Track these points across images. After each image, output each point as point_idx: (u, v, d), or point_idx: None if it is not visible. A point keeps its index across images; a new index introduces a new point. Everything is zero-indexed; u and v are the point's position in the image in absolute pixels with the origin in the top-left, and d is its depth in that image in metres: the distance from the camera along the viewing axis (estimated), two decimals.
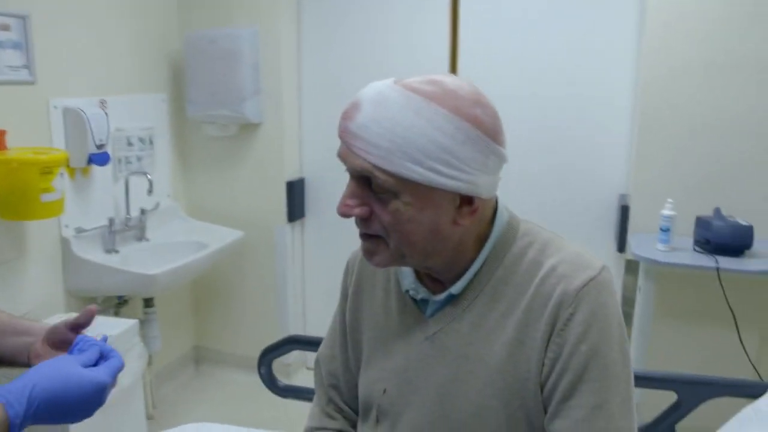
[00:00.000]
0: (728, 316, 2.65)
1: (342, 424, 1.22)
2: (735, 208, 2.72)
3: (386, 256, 0.96)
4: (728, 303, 2.60)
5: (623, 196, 2.97)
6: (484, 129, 0.89)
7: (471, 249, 0.99)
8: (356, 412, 1.22)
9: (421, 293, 1.04)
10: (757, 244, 2.61)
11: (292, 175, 3.40)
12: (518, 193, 2.98)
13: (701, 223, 2.65)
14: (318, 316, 3.63)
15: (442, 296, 1.01)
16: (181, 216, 3.34)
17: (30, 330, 1.04)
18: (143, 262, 2.87)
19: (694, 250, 2.62)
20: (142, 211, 3.04)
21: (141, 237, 3.05)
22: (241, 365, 3.58)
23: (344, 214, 0.92)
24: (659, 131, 2.75)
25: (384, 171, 0.87)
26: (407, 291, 1.06)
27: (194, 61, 3.17)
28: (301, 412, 2.79)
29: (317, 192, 3.48)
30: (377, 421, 1.09)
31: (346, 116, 0.90)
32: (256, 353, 3.37)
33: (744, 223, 2.56)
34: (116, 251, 2.86)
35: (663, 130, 2.76)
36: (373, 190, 0.91)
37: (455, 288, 1.00)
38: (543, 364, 0.94)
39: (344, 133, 0.90)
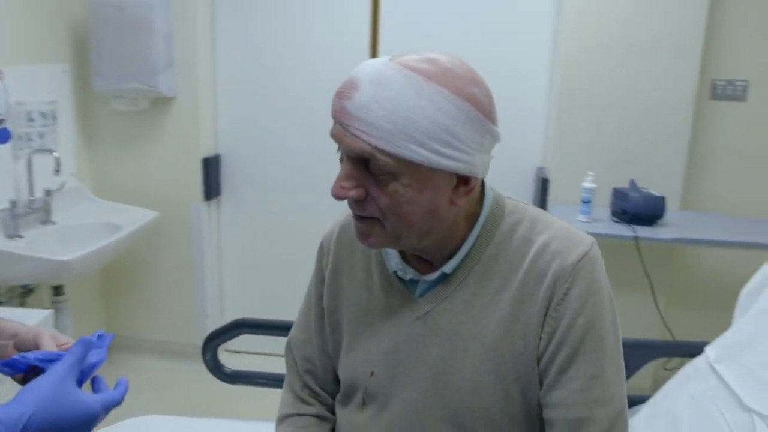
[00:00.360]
0: (645, 282, 2.78)
1: (318, 409, 1.19)
2: (648, 181, 2.85)
3: (382, 238, 0.95)
4: (645, 270, 2.72)
5: (541, 170, 3.06)
6: (482, 108, 0.89)
7: (462, 228, 1.00)
8: (332, 396, 1.21)
9: (410, 273, 1.04)
10: (668, 215, 2.75)
11: (208, 152, 3.27)
12: None
13: (618, 194, 2.76)
14: (236, 298, 3.53)
15: (434, 275, 1.01)
16: (89, 197, 3.14)
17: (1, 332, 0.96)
18: (51, 247, 2.68)
19: (612, 220, 2.74)
20: (47, 192, 2.83)
21: (46, 220, 2.85)
22: (158, 351, 3.44)
23: (339, 197, 0.91)
24: (578, 108, 2.88)
25: (385, 153, 0.86)
26: (395, 272, 1.05)
27: (100, 30, 2.97)
28: (230, 396, 2.82)
29: (233, 169, 3.37)
30: (363, 404, 1.08)
31: (343, 95, 0.87)
32: (174, 338, 3.32)
33: (656, 194, 2.68)
34: (20, 236, 2.66)
35: (581, 108, 2.87)
36: (370, 172, 0.90)
37: (448, 267, 1.01)
38: (540, 338, 0.96)
39: (340, 114, 0.88)
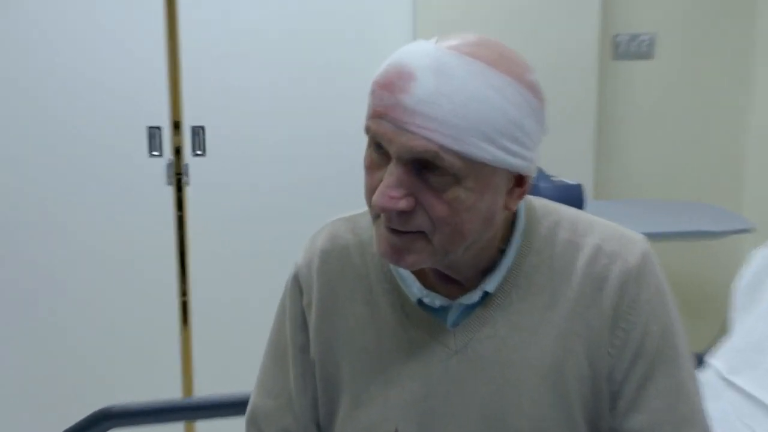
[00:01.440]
0: None
1: None
2: (558, 167, 2.42)
3: (424, 255, 0.86)
4: None
5: None
6: (540, 98, 0.85)
7: (499, 236, 0.93)
8: None
9: (438, 300, 0.94)
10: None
11: None
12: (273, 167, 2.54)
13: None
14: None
15: (473, 297, 0.93)
16: None
17: None
18: None
19: None
20: None
21: None
22: None
23: (387, 209, 0.82)
24: None
25: (453, 152, 0.79)
26: (418, 300, 0.96)
27: None
28: None
29: None
30: None
31: (396, 88, 0.80)
32: None
33: (571, 182, 2.32)
34: None
35: None
36: (423, 177, 0.82)
37: (489, 285, 0.93)
38: (609, 354, 0.91)
39: (394, 110, 0.80)
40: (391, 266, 0.94)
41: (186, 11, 2.33)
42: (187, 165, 2.29)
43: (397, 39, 2.55)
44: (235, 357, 2.49)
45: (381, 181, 0.82)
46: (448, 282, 0.94)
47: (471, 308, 0.94)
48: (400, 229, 0.84)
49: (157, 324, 2.41)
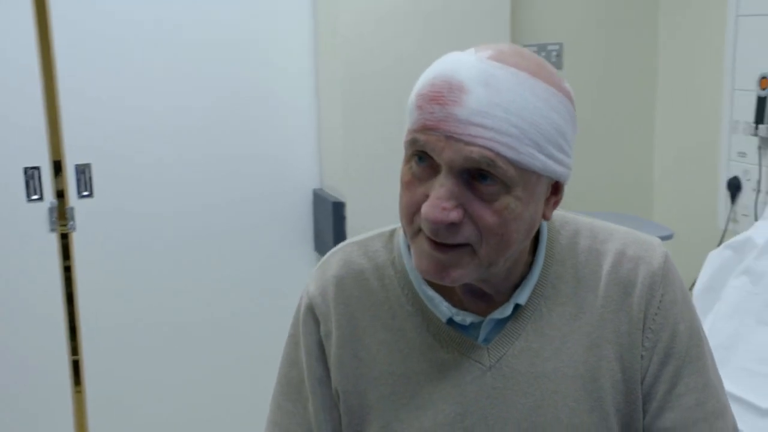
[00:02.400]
0: None
1: None
2: None
3: (470, 269, 0.86)
4: None
5: (321, 191, 2.54)
6: (574, 104, 0.88)
7: (528, 249, 0.94)
8: None
9: (470, 317, 0.94)
10: None
11: None
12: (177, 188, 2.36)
13: None
14: None
15: (506, 310, 0.93)
16: None
17: None
18: None
19: None
20: None
21: None
22: None
23: (439, 221, 0.81)
24: (365, 103, 2.35)
25: (508, 160, 0.81)
26: (449, 319, 0.95)
27: None
28: None
29: None
30: None
31: (446, 101, 0.81)
32: None
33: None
34: None
35: (368, 102, 2.34)
36: (472, 187, 0.83)
37: (521, 297, 0.93)
38: (641, 356, 0.93)
39: (446, 122, 0.81)
40: (417, 288, 0.94)
41: (61, 35, 2.11)
42: (72, 208, 2.09)
43: (296, 56, 2.42)
44: (134, 420, 2.27)
45: (423, 195, 0.83)
46: (477, 298, 0.94)
47: (501, 323, 0.95)
48: (448, 242, 0.84)
49: (47, 387, 2.17)
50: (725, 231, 2.28)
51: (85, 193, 2.14)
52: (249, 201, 2.43)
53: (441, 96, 0.82)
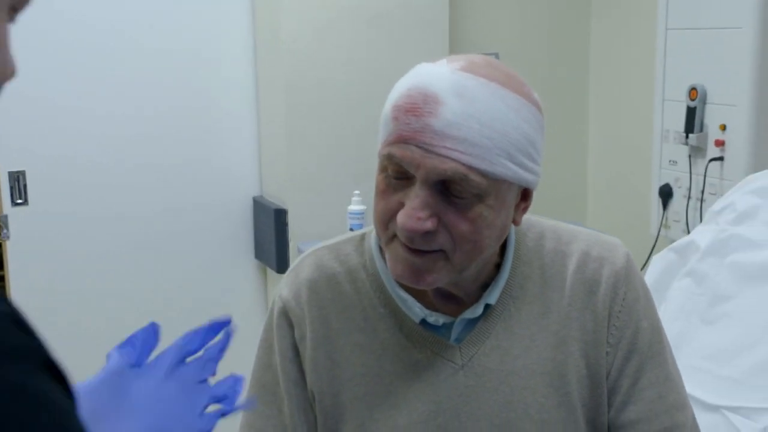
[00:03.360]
0: None
1: None
2: None
3: (443, 273, 0.89)
4: None
5: (261, 199, 2.52)
6: (542, 113, 0.90)
7: (496, 251, 0.97)
8: None
9: (442, 318, 0.97)
10: None
11: None
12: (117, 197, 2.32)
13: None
14: None
15: (476, 310, 0.96)
16: None
17: None
18: None
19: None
20: None
21: None
22: None
23: (415, 230, 0.84)
24: (306, 109, 2.33)
25: (480, 172, 0.83)
26: (422, 320, 0.97)
27: None
28: None
29: None
30: None
31: (422, 112, 0.83)
32: None
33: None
34: None
35: (311, 108, 2.34)
36: (446, 197, 0.85)
37: (491, 297, 0.96)
38: (606, 353, 0.97)
39: (422, 134, 0.83)
40: (389, 290, 0.96)
41: None
42: (5, 216, 2.04)
43: (236, 64, 2.41)
44: None
45: (398, 203, 0.85)
46: (448, 300, 0.97)
47: (472, 323, 0.97)
48: (424, 249, 0.86)
49: None
50: (657, 236, 2.35)
51: (19, 201, 2.09)
52: (188, 208, 2.39)
53: (417, 107, 0.83)
